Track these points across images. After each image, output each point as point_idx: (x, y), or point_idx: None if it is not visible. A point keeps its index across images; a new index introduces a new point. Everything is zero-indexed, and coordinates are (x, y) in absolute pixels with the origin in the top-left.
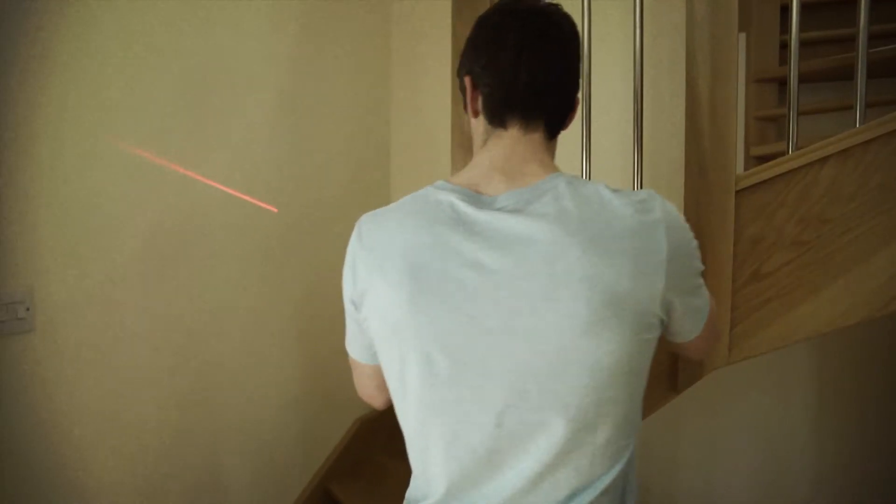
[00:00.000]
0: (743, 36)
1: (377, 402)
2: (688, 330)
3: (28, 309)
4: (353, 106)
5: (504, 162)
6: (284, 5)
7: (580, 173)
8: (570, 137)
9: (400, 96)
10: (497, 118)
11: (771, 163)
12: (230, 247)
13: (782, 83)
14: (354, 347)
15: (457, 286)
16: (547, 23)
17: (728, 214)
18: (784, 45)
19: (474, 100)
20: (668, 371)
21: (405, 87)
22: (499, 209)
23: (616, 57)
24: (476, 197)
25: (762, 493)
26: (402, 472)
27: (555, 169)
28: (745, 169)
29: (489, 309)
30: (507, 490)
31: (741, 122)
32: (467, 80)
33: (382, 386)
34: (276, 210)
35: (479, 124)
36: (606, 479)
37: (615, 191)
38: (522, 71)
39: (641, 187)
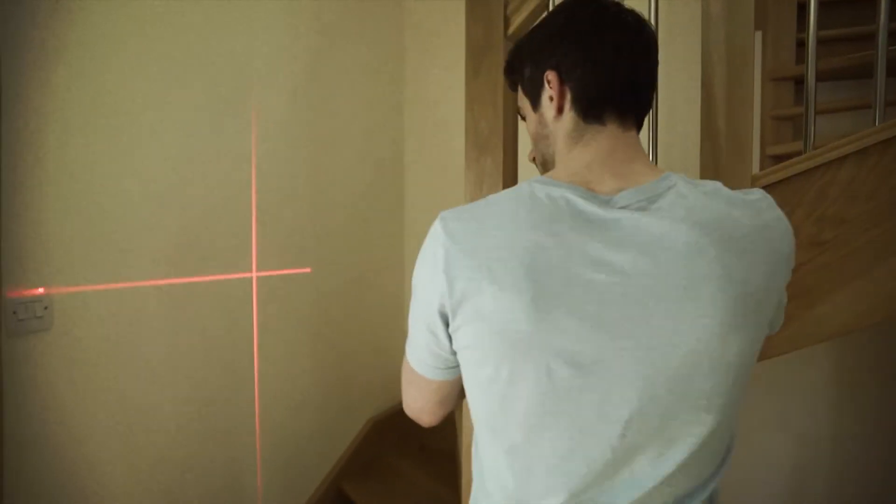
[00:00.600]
0: (759, 34)
1: (430, 419)
2: (777, 325)
3: (46, 308)
4: (367, 104)
5: (608, 159)
6: (299, 6)
7: None
8: None
9: (414, 94)
10: (593, 114)
11: (787, 162)
12: (246, 249)
13: (799, 82)
14: (423, 362)
15: (584, 289)
16: (640, 22)
17: None
18: (801, 44)
19: (562, 95)
20: None
21: (419, 85)
22: (623, 207)
23: None
24: (593, 194)
25: (783, 495)
26: (412, 472)
27: (660, 168)
28: (761, 169)
29: (620, 313)
30: (620, 502)
31: (757, 122)
32: (552, 75)
33: (446, 401)
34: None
35: (564, 121)
36: (711, 484)
37: (732, 189)
38: (621, 67)
39: None
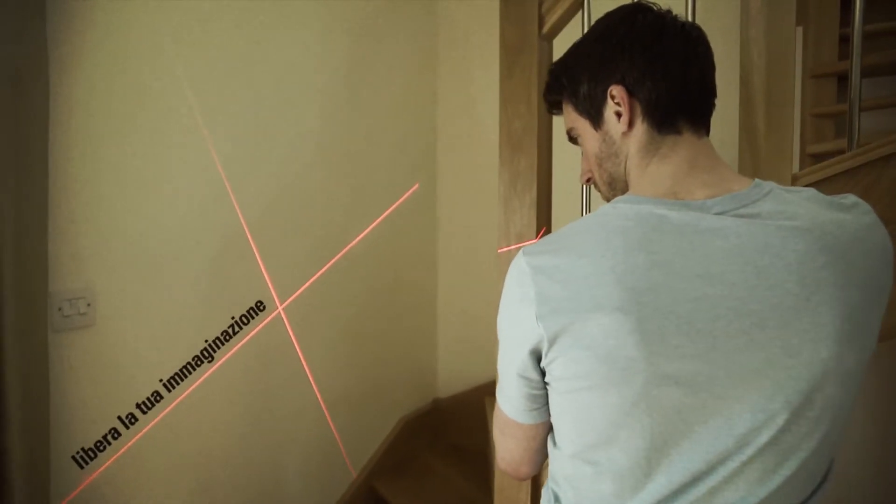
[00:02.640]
0: (800, 30)
1: (529, 469)
2: None
3: (89, 304)
4: (400, 104)
5: (691, 169)
6: (334, 6)
7: None
8: None
9: (447, 94)
10: (668, 124)
11: (830, 161)
12: (280, 247)
13: (841, 78)
14: (518, 408)
15: (692, 306)
16: (694, 27)
17: None
18: (844, 39)
19: (631, 109)
20: None
21: (452, 85)
22: (720, 214)
23: None
24: (684, 203)
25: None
26: (444, 471)
27: (746, 176)
28: (801, 168)
29: (732, 327)
30: None
31: (797, 120)
32: (618, 89)
33: (544, 447)
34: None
35: (636, 136)
36: None
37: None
38: (691, 74)
39: None
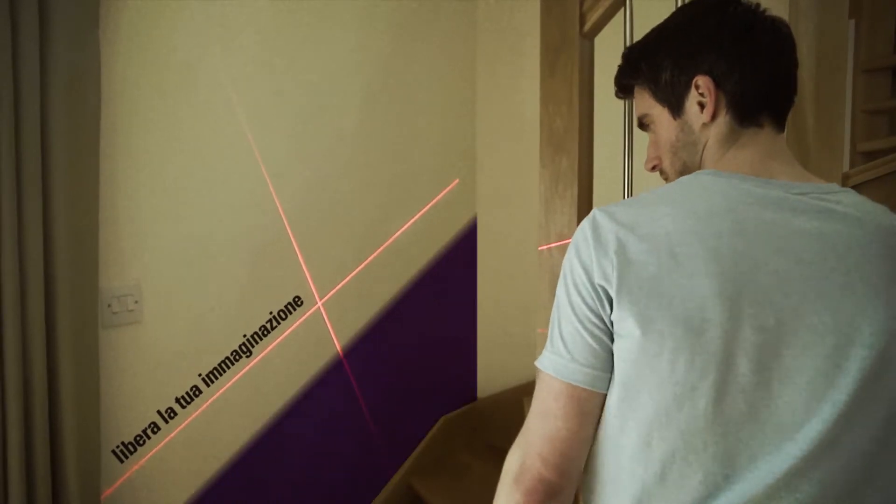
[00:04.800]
0: (851, 22)
1: (562, 476)
2: None
3: (137, 301)
4: (439, 101)
5: (767, 159)
6: (374, 5)
7: None
8: None
9: (486, 92)
10: (750, 118)
11: (884, 159)
12: (320, 244)
13: None
14: (579, 359)
15: (771, 278)
16: (782, 21)
17: None
18: None
19: (716, 101)
20: None
21: (491, 83)
22: (801, 194)
23: None
24: (768, 182)
25: None
26: (481, 470)
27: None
28: (851, 167)
29: (804, 307)
30: None
31: (848, 116)
32: (704, 80)
33: (588, 441)
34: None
35: (717, 127)
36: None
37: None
38: (779, 71)
39: None
